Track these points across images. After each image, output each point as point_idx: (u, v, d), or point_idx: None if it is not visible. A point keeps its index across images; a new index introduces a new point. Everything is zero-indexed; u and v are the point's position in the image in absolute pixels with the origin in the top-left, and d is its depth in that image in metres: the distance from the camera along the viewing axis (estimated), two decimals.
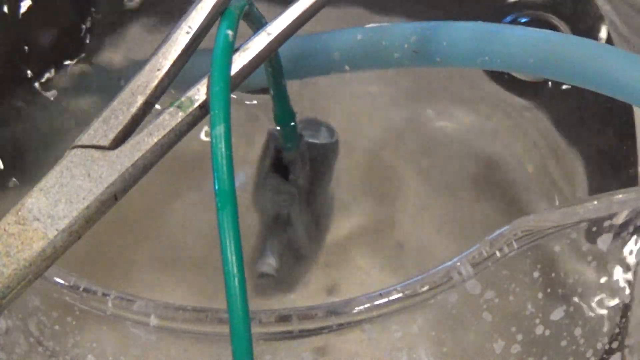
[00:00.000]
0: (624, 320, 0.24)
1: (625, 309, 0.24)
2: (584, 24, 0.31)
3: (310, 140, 0.30)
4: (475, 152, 0.34)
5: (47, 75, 0.33)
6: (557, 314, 0.23)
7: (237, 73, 0.21)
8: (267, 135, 0.30)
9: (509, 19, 0.33)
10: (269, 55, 0.21)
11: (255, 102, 0.34)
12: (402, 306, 0.21)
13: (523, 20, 0.33)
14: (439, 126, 0.35)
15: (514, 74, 0.33)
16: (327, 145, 0.31)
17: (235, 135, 0.19)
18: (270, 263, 0.30)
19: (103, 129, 0.20)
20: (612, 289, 0.23)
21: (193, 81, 0.20)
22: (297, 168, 0.30)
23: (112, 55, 0.34)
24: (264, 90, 0.28)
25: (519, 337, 0.22)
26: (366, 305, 0.21)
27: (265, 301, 0.30)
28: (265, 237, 0.30)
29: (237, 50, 0.21)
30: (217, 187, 0.19)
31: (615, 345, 0.24)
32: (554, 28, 0.33)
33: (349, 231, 0.32)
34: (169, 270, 0.31)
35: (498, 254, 0.21)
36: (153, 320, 0.21)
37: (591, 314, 0.23)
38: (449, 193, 0.33)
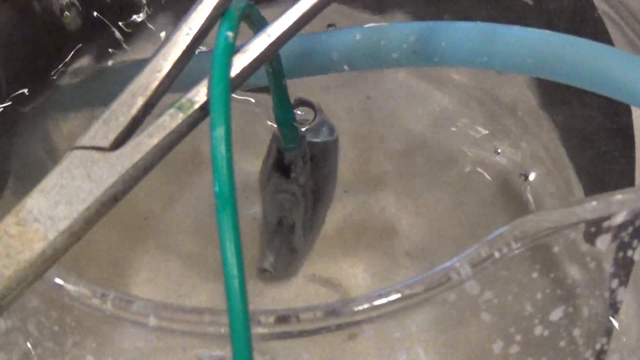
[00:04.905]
0: (623, 320, 0.24)
1: (624, 310, 0.24)
2: (584, 24, 0.31)
3: (312, 139, 0.30)
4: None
5: None
6: (556, 315, 0.23)
7: (238, 74, 0.21)
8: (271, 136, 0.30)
9: None
10: (270, 57, 0.21)
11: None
12: (401, 307, 0.21)
13: None
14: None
15: None
16: (327, 143, 0.31)
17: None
18: (269, 261, 0.31)
19: (103, 130, 0.20)
20: (611, 289, 0.23)
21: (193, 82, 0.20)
22: (298, 167, 0.30)
23: None
24: (264, 89, 0.28)
25: (518, 337, 0.22)
26: (365, 306, 0.21)
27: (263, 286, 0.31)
28: (267, 235, 0.31)
29: (237, 51, 0.21)
30: (217, 189, 0.19)
31: (614, 345, 0.24)
32: None
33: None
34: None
35: (497, 254, 0.21)
36: (152, 321, 0.21)
37: (590, 314, 0.23)
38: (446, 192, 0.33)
